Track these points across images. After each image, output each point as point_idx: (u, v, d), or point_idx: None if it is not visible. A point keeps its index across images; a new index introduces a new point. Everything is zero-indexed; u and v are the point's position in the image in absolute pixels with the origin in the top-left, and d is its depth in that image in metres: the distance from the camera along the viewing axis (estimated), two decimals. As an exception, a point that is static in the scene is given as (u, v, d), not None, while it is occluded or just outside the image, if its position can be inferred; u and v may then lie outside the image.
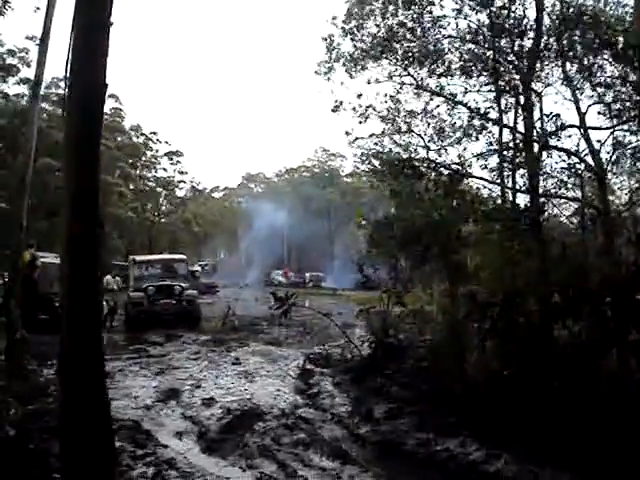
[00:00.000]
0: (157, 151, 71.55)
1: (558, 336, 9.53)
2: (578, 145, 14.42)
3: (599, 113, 15.05)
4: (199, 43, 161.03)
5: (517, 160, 13.74)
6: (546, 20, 13.79)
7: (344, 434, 9.88)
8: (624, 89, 14.46)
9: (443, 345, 11.99)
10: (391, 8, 14.37)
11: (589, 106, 14.88)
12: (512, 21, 13.24)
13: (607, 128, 14.37)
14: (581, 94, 14.92)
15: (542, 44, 13.30)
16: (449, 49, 14.38)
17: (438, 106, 15.92)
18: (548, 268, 9.78)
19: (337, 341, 18.90)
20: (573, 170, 14.24)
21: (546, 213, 12.92)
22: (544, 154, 13.82)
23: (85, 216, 5.67)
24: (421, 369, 12.23)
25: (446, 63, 14.41)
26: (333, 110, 16.35)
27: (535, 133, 13.78)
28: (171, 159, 73.22)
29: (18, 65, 44.45)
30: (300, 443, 9.23)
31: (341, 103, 16.21)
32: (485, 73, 14.15)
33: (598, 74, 14.69)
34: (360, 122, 16.34)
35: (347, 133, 17.28)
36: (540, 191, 13.29)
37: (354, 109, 16.25)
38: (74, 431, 5.85)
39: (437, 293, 14.41)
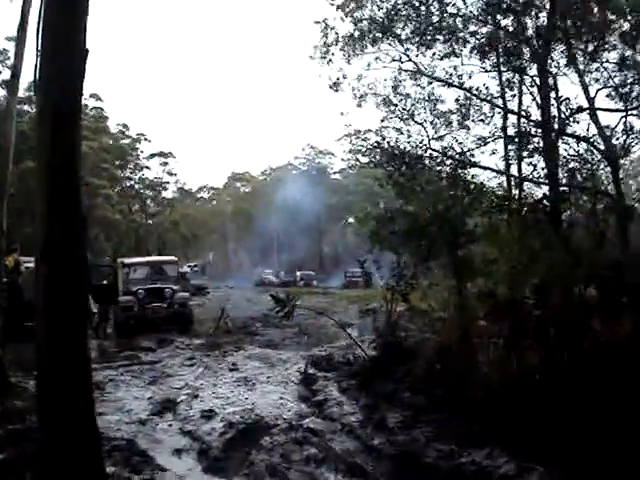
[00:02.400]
0: (142, 152, 70.77)
1: (595, 335, 8.75)
2: (588, 131, 13.79)
3: (607, 96, 14.45)
4: (181, 42, 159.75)
5: (528, 147, 13.00)
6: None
7: (357, 446, 9.14)
8: (632, 71, 13.86)
9: (456, 346, 11.26)
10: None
11: (598, 90, 14.26)
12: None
13: (619, 110, 13.72)
14: (588, 78, 14.29)
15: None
16: (459, 28, 13.61)
17: (438, 89, 15.25)
18: (578, 261, 9.02)
19: (336, 342, 18.20)
20: (585, 157, 13.55)
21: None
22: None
23: (66, 215, 4.85)
24: (433, 372, 11.47)
25: (459, 43, 13.63)
26: (331, 87, 15.68)
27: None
28: (160, 161, 72.47)
29: None
30: (311, 459, 8.44)
31: (338, 81, 15.53)
32: (493, 54, 13.43)
33: (604, 55, 14.10)
34: (359, 105, 15.66)
35: (342, 114, 16.65)
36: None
37: (353, 89, 15.59)
38: (55, 460, 5.02)
39: (444, 290, 13.69)
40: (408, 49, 14.39)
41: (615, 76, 13.92)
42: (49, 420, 5.07)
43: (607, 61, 13.93)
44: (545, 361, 8.91)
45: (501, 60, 13.82)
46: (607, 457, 7.12)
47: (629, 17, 13.76)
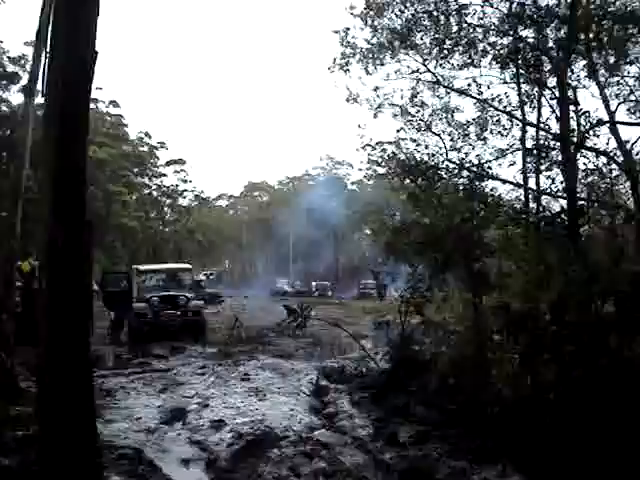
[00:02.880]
0: (158, 158, 71.14)
1: (613, 352, 8.54)
2: (607, 144, 13.61)
3: (628, 110, 14.28)
4: (203, 53, 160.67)
5: (547, 160, 12.83)
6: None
7: (367, 461, 8.92)
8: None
9: (470, 360, 11.08)
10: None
11: (619, 104, 14.09)
12: (541, 11, 12.35)
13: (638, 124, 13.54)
14: (609, 92, 14.13)
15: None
16: (479, 39, 13.51)
17: (456, 100, 15.14)
18: (596, 276, 8.83)
19: (349, 353, 18.05)
20: (604, 171, 13.36)
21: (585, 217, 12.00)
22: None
23: (69, 217, 4.76)
24: (447, 387, 11.30)
25: (478, 53, 13.52)
26: (349, 100, 15.60)
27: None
28: (176, 169, 72.73)
29: (20, 73, 43.88)
30: (320, 473, 8.27)
31: (354, 95, 15.48)
32: (513, 65, 13.30)
33: (626, 69, 13.93)
34: (375, 115, 15.58)
35: (359, 126, 16.57)
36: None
37: (368, 100, 15.53)
38: (53, 469, 4.91)
39: (459, 303, 13.52)
40: (426, 60, 14.32)
41: (637, 90, 13.72)
42: (48, 429, 4.97)
43: (628, 75, 13.73)
44: (560, 378, 8.72)
45: (520, 72, 13.71)
46: (624, 478, 6.95)
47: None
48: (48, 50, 4.89)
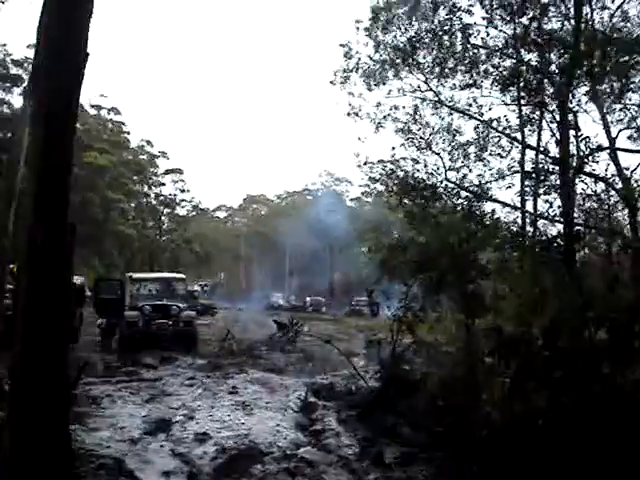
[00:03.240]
0: (158, 166, 71.19)
1: (604, 380, 8.42)
2: (606, 171, 13.55)
3: (629, 138, 14.24)
4: (204, 62, 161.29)
5: (545, 184, 12.77)
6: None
7: (351, 481, 8.80)
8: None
9: (460, 383, 10.95)
10: (418, 14, 13.55)
11: (620, 130, 14.07)
12: (544, 35, 12.33)
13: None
14: (611, 118, 14.10)
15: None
16: (481, 60, 13.50)
17: (457, 120, 15.10)
18: (590, 302, 8.73)
19: (340, 370, 17.89)
20: (602, 198, 13.30)
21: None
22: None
23: (50, 218, 4.65)
24: (435, 408, 11.16)
25: (480, 74, 13.51)
26: (350, 115, 15.59)
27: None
28: (174, 178, 72.74)
29: (23, 75, 43.92)
30: (303, 491, 8.15)
31: (355, 109, 15.46)
32: (514, 88, 13.26)
33: (628, 96, 13.91)
34: (376, 129, 15.57)
35: (359, 139, 16.61)
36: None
37: (369, 115, 15.52)
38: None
39: (452, 324, 13.42)
40: (428, 79, 14.31)
41: (638, 117, 13.69)
42: (19, 433, 4.83)
43: (630, 102, 13.72)
44: (551, 404, 8.60)
45: (522, 94, 13.68)
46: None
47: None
48: (40, 50, 4.78)
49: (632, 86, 13.94)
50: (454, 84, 14.19)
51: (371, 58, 14.68)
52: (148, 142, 69.82)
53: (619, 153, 13.68)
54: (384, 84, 14.92)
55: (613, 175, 13.33)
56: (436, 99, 14.82)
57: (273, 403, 13.74)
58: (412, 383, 12.55)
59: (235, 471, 8.84)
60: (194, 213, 79.73)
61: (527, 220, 14.61)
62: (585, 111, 13.60)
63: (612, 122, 13.97)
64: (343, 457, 9.72)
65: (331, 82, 15.60)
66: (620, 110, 14.46)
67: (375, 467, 9.23)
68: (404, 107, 15.43)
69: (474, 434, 9.22)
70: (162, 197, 72.71)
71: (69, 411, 5.51)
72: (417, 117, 15.36)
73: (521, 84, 13.17)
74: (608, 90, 14.13)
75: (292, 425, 11.89)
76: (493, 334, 9.70)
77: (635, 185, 13.56)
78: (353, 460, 9.60)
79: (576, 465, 7.52)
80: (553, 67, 12.95)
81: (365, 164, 16.39)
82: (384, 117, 15.82)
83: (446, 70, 13.90)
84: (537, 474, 7.68)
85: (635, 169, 13.61)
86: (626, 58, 13.18)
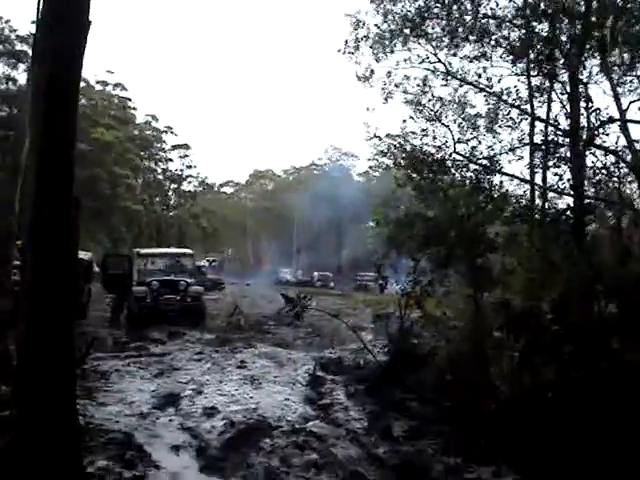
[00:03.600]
0: (165, 142, 70.99)
1: (614, 354, 8.36)
2: (616, 143, 13.37)
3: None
4: (211, 38, 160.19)
5: (555, 156, 12.62)
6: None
7: (360, 454, 8.76)
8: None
9: (468, 357, 10.93)
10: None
11: (631, 102, 13.85)
12: (556, 4, 12.12)
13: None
14: (622, 89, 13.90)
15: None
16: (491, 30, 13.30)
17: (466, 92, 14.92)
18: (600, 275, 8.65)
19: (348, 345, 17.90)
20: (612, 170, 13.14)
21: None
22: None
23: (54, 193, 4.58)
24: (444, 382, 11.15)
25: (490, 45, 13.30)
26: (360, 79, 15.47)
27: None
28: (181, 154, 72.58)
29: (28, 51, 43.70)
30: (312, 465, 8.10)
31: (367, 76, 15.31)
32: (524, 59, 13.07)
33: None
34: (385, 99, 15.43)
35: (368, 109, 16.46)
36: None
37: (382, 83, 15.39)
38: (29, 453, 4.75)
39: (460, 298, 13.36)
40: (438, 49, 14.12)
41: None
42: (26, 409, 4.81)
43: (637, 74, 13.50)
44: (560, 378, 8.56)
45: (532, 65, 13.50)
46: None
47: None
48: (40, 18, 4.69)
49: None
50: (464, 55, 14.01)
51: (379, 27, 14.47)
52: (153, 117, 69.65)
53: (630, 126, 13.48)
54: (392, 53, 14.72)
55: (623, 147, 13.16)
56: (445, 70, 14.63)
57: (281, 377, 13.76)
58: (420, 357, 12.54)
59: (244, 445, 8.83)
60: (201, 189, 79.59)
61: (536, 193, 14.46)
62: (595, 82, 13.42)
63: (623, 93, 13.76)
64: (351, 431, 9.72)
65: (339, 51, 15.44)
66: (631, 81, 14.20)
67: (384, 441, 9.22)
68: (415, 78, 15.26)
69: (482, 408, 9.21)
70: (169, 172, 72.55)
71: (75, 387, 5.44)
72: (426, 88, 15.16)
73: (531, 55, 13.02)
74: (618, 62, 13.89)
75: (300, 399, 11.90)
76: (502, 309, 9.65)
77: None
78: (362, 434, 9.59)
79: (584, 438, 7.50)
80: (564, 38, 12.76)
81: (375, 136, 16.22)
82: (395, 86, 15.63)
83: (455, 41, 13.68)
84: (545, 447, 7.66)
85: (645, 140, 13.41)
86: (637, 28, 12.97)
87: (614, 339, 8.46)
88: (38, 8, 4.70)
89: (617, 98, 13.62)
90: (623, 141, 13.19)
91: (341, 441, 9.26)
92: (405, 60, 14.73)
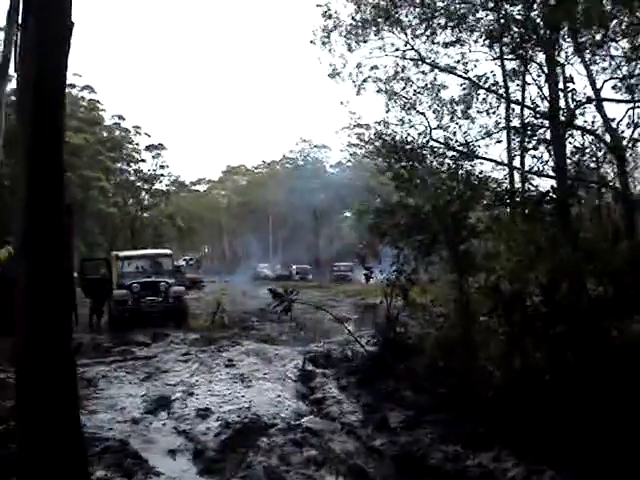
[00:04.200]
0: (137, 144, 70.27)
1: (609, 333, 8.39)
2: (593, 124, 13.44)
3: (614, 88, 14.13)
4: (176, 36, 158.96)
5: (533, 139, 12.64)
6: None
7: (358, 447, 8.75)
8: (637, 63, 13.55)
9: (457, 343, 10.92)
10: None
11: (604, 81, 13.95)
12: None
13: (627, 101, 13.37)
14: (595, 68, 13.99)
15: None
16: (465, 15, 13.27)
17: (442, 78, 14.91)
18: (590, 256, 8.66)
19: (334, 337, 17.89)
20: (591, 150, 13.22)
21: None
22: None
23: (47, 200, 4.47)
24: (436, 370, 11.14)
25: (464, 31, 13.28)
26: (331, 76, 15.39)
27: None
28: (153, 154, 71.92)
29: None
30: (311, 461, 8.06)
31: (337, 70, 15.23)
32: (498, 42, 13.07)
33: (613, 46, 13.78)
34: (358, 93, 15.40)
35: (342, 103, 16.42)
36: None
37: (351, 76, 15.34)
38: (36, 465, 4.65)
39: (445, 285, 13.36)
40: (415, 36, 14.08)
41: (622, 67, 13.58)
42: (29, 423, 4.69)
43: (617, 51, 13.59)
44: (553, 360, 8.58)
45: (506, 50, 13.51)
46: (617, 459, 6.82)
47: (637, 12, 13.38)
48: (20, 22, 4.56)
49: (614, 36, 13.75)
50: (438, 41, 13.98)
51: (353, 18, 14.39)
52: (120, 117, 68.78)
53: (605, 105, 13.58)
54: (365, 42, 14.67)
55: (600, 126, 13.24)
56: (419, 58, 14.57)
57: (271, 374, 13.69)
58: (410, 346, 12.53)
59: (241, 445, 8.76)
60: (174, 188, 78.98)
61: (516, 177, 14.52)
62: (570, 64, 13.46)
63: (596, 72, 13.84)
64: (347, 424, 9.69)
65: (311, 42, 15.36)
66: (603, 60, 14.27)
67: (380, 432, 9.19)
68: (385, 67, 15.22)
69: (477, 394, 9.20)
70: (141, 173, 71.88)
71: (78, 396, 5.34)
72: (400, 75, 15.12)
73: (505, 39, 13.02)
74: (590, 41, 13.94)
75: (293, 395, 11.86)
76: (491, 293, 9.64)
77: (621, 136, 13.48)
78: (358, 427, 9.57)
79: (581, 420, 7.51)
80: (538, 20, 12.76)
81: (347, 128, 16.31)
82: (364, 80, 15.60)
83: (429, 27, 13.64)
84: (543, 430, 7.66)
85: (621, 120, 13.53)
86: (609, 7, 13.01)
87: (608, 320, 8.46)
88: (17, 10, 4.58)
89: (591, 78, 13.71)
90: (599, 121, 13.28)
91: (338, 435, 9.25)
92: (380, 48, 14.70)
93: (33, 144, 4.48)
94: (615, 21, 13.15)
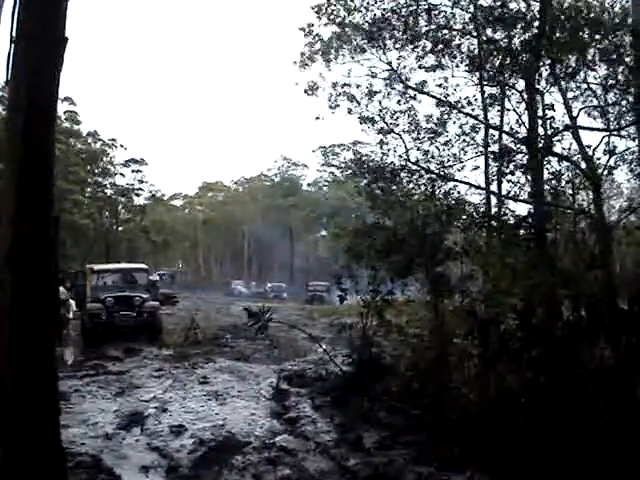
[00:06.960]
0: (113, 157, 69.84)
1: (583, 359, 8.50)
2: (569, 150, 13.65)
3: (589, 115, 14.38)
4: (156, 50, 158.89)
5: (510, 164, 12.82)
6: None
7: (332, 467, 8.74)
8: (614, 91, 13.79)
9: (431, 365, 11.00)
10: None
11: (580, 109, 14.18)
12: (508, 13, 12.34)
13: (602, 130, 13.61)
14: (571, 96, 14.22)
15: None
16: (447, 40, 13.46)
17: (420, 102, 15.07)
18: (566, 281, 8.79)
19: (308, 356, 17.89)
20: (567, 177, 13.42)
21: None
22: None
23: (35, 211, 4.48)
24: (410, 391, 11.20)
25: (445, 56, 13.46)
26: (307, 92, 15.52)
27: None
28: (133, 168, 71.59)
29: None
30: (285, 480, 8.08)
31: (315, 86, 15.36)
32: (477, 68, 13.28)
33: (587, 74, 14.02)
34: (331, 107, 15.54)
35: (317, 118, 16.54)
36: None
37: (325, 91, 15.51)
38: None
39: (421, 307, 13.44)
40: (400, 57, 14.26)
41: (600, 96, 13.82)
42: (10, 436, 4.67)
43: (594, 79, 13.82)
44: (527, 385, 8.67)
45: (486, 75, 13.69)
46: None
47: (610, 37, 13.64)
48: (14, 35, 4.58)
49: (589, 63, 13.97)
50: (420, 65, 14.14)
51: (336, 39, 14.56)
52: (94, 133, 68.28)
53: (581, 132, 13.79)
54: (344, 64, 14.87)
55: (577, 154, 13.44)
56: (398, 78, 14.74)
57: (245, 392, 13.67)
58: (385, 367, 12.56)
59: (215, 463, 8.74)
60: (150, 202, 78.60)
61: (493, 201, 14.68)
62: (547, 91, 13.65)
63: (572, 99, 14.05)
64: (322, 444, 9.69)
65: (295, 62, 15.54)
66: (578, 88, 14.48)
67: (354, 452, 9.21)
68: (358, 87, 15.41)
69: (451, 416, 9.26)
70: (118, 187, 71.42)
71: (59, 410, 5.32)
72: (376, 97, 15.29)
73: (486, 65, 13.21)
74: (567, 70, 14.16)
75: (267, 413, 11.84)
76: (467, 316, 9.74)
77: (597, 163, 13.70)
78: (332, 446, 9.57)
79: (555, 442, 7.60)
80: (519, 47, 12.96)
81: (322, 148, 16.48)
82: (338, 95, 15.79)
83: (409, 51, 13.85)
84: (517, 452, 7.72)
85: (597, 147, 13.73)
86: (586, 35, 13.26)
87: (581, 345, 8.57)
88: (12, 24, 4.60)
89: (568, 106, 13.93)
90: (576, 148, 13.49)
91: (312, 455, 9.24)
92: (361, 64, 14.88)
93: (24, 157, 4.48)
94: (592, 49, 13.39)
